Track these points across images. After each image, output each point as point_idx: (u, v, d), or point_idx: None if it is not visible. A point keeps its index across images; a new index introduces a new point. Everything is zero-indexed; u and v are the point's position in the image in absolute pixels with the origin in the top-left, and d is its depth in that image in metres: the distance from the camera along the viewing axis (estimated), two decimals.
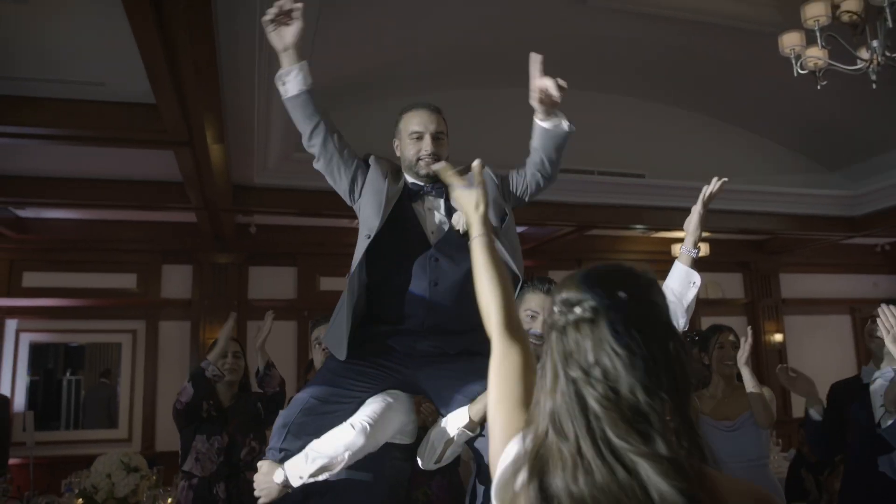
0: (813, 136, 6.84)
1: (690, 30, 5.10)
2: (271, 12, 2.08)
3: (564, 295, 1.07)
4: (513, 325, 1.35)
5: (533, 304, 2.26)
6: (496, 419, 1.21)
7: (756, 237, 8.40)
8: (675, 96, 6.42)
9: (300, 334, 7.37)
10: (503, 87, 5.30)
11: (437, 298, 2.19)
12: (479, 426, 2.00)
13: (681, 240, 2.30)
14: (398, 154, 2.38)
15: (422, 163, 2.26)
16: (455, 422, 2.01)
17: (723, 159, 6.70)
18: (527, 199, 2.42)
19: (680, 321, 2.16)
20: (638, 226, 7.04)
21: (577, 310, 1.04)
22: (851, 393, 2.81)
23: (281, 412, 2.11)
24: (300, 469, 2.02)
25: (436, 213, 2.29)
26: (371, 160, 2.35)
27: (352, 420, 2.07)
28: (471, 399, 2.06)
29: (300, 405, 2.06)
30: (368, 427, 2.04)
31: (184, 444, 3.73)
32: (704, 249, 7.86)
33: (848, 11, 3.75)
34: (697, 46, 5.40)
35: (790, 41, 3.90)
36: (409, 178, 2.34)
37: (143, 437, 6.78)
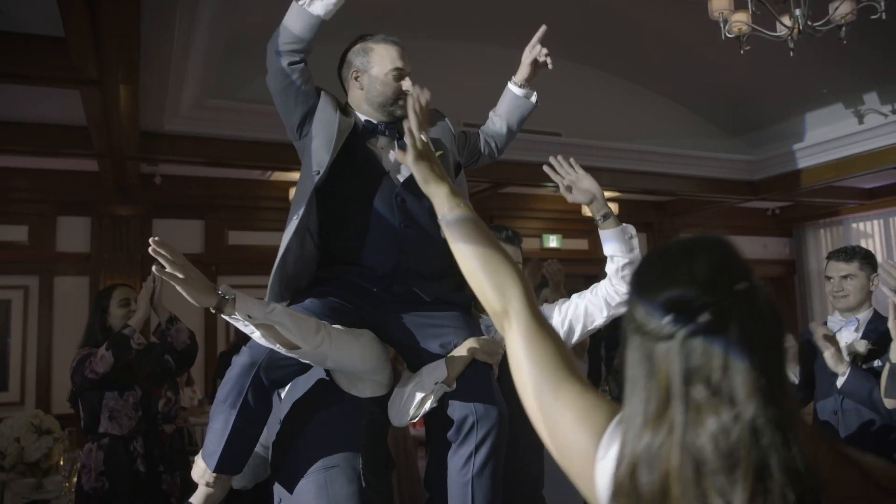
0: (718, 103, 7.12)
1: None
2: None
3: (671, 295, 0.81)
4: (536, 307, 1.15)
5: None
6: (561, 421, 0.99)
7: (659, 198, 8.73)
8: (592, 58, 6.50)
9: None
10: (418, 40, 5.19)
11: (409, 240, 2.07)
12: (454, 381, 1.93)
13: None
14: (359, 87, 2.17)
15: (402, 102, 2.06)
16: (431, 375, 1.91)
17: (635, 120, 6.91)
18: (475, 164, 2.37)
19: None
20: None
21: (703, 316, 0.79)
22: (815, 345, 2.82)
23: (243, 348, 1.89)
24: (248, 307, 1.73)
25: (391, 152, 2.13)
26: (321, 92, 2.15)
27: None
28: (448, 352, 1.97)
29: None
30: (331, 331, 1.84)
31: (90, 406, 3.37)
32: (613, 208, 8.10)
33: None
34: (616, 8, 5.46)
35: (719, 5, 4.00)
36: (362, 116, 2.16)
37: (38, 399, 6.36)
